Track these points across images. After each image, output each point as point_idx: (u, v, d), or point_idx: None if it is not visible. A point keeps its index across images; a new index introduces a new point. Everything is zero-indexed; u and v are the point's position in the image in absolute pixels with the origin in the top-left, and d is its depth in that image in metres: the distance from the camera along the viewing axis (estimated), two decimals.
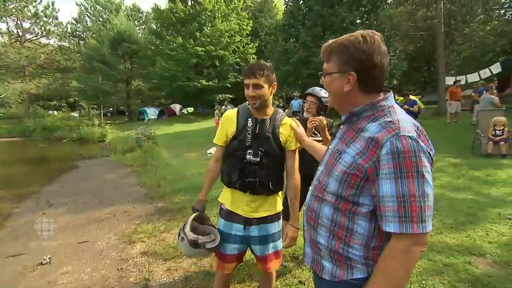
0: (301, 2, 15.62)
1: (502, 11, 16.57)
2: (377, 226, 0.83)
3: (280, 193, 1.62)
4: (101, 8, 28.60)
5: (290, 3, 16.86)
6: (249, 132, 1.48)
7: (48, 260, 2.85)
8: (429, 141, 0.83)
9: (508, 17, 16.39)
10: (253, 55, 21.07)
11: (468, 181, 4.47)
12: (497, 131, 5.87)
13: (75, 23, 30.06)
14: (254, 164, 1.47)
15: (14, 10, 21.71)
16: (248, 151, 1.46)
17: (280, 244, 1.63)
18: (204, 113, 22.16)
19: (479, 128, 6.35)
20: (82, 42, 29.34)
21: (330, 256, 0.92)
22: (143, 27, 33.34)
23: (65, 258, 2.93)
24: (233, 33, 19.54)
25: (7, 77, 22.02)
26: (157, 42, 20.53)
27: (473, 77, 12.64)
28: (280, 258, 1.67)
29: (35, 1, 22.79)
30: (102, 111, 29.09)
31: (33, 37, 24.02)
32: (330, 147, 1.00)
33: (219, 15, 19.21)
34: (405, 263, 0.77)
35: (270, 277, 1.70)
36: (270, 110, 1.55)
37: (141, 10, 36.65)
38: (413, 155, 0.75)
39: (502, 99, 9.06)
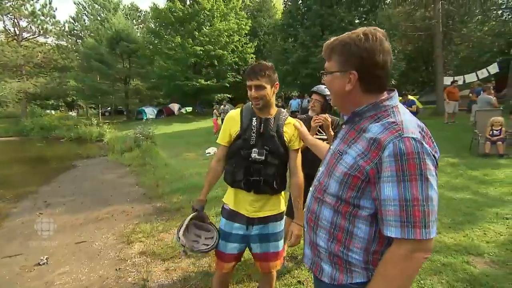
0: (300, 1, 15.65)
1: (500, 12, 16.64)
2: (377, 230, 0.81)
3: (282, 193, 1.63)
4: (99, 7, 28.46)
5: (289, 3, 16.88)
6: (254, 131, 1.49)
7: (45, 260, 2.83)
8: (434, 143, 0.80)
9: (506, 17, 16.47)
10: (252, 55, 21.04)
11: (466, 181, 4.49)
12: (494, 131, 5.91)
13: (73, 22, 29.91)
14: (259, 163, 1.48)
15: (11, 9, 21.51)
16: (253, 149, 1.47)
17: (281, 245, 1.63)
18: (202, 112, 22.15)
19: (477, 128, 6.39)
20: (80, 41, 29.16)
21: (329, 259, 0.90)
22: (141, 26, 33.21)
23: (62, 258, 2.91)
24: (231, 33, 19.50)
25: (4, 76, 21.82)
26: (156, 42, 20.47)
27: (470, 77, 12.71)
28: (281, 259, 1.66)
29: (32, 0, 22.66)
30: (100, 111, 28.94)
31: (30, 36, 23.87)
32: (331, 147, 0.98)
33: (218, 15, 19.18)
34: (406, 269, 0.74)
35: (270, 276, 1.70)
36: (273, 109, 1.57)
37: (139, 9, 36.56)
38: (416, 157, 0.72)
39: (499, 99, 9.13)
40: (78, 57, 25.45)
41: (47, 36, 24.51)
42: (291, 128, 1.56)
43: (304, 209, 1.05)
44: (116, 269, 2.62)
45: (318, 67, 12.70)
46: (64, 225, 3.76)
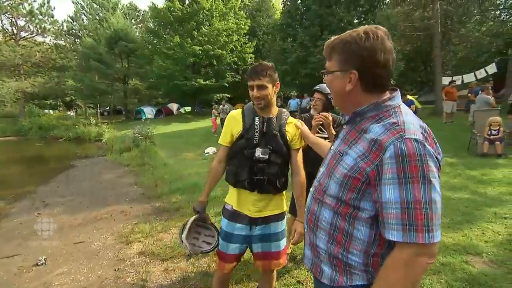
0: (299, 1, 15.67)
1: (498, 12, 16.69)
2: (378, 232, 0.79)
3: (284, 192, 1.64)
4: (98, 7, 28.30)
5: (288, 3, 16.89)
6: (257, 130, 1.50)
7: (44, 261, 2.82)
8: (437, 144, 0.78)
9: (503, 18, 16.52)
10: (251, 55, 21.03)
11: (464, 181, 4.51)
12: (492, 131, 5.93)
13: (71, 21, 29.72)
14: (263, 162, 1.48)
15: (8, 7, 21.41)
16: (257, 148, 1.48)
17: (283, 244, 1.63)
18: (201, 112, 22.12)
19: (475, 128, 6.41)
20: (78, 40, 29.03)
21: (329, 260, 0.89)
22: (140, 25, 33.11)
23: (61, 259, 2.89)
24: (230, 32, 19.48)
25: (1, 75, 21.76)
26: (154, 41, 20.43)
27: (469, 78, 12.77)
28: (282, 259, 1.65)
29: None
30: (98, 110, 28.82)
31: (28, 35, 23.76)
32: (332, 148, 0.97)
33: (217, 14, 19.16)
34: (408, 275, 0.71)
35: (271, 276, 1.70)
36: (275, 109, 1.58)
37: (138, 9, 36.45)
38: (418, 159, 0.70)
39: (497, 99, 9.14)
40: (76, 57, 25.37)
41: (45, 35, 24.45)
42: (293, 127, 1.57)
43: (304, 210, 1.05)
44: (115, 270, 2.61)
45: (317, 67, 12.72)
46: (63, 225, 3.74)
